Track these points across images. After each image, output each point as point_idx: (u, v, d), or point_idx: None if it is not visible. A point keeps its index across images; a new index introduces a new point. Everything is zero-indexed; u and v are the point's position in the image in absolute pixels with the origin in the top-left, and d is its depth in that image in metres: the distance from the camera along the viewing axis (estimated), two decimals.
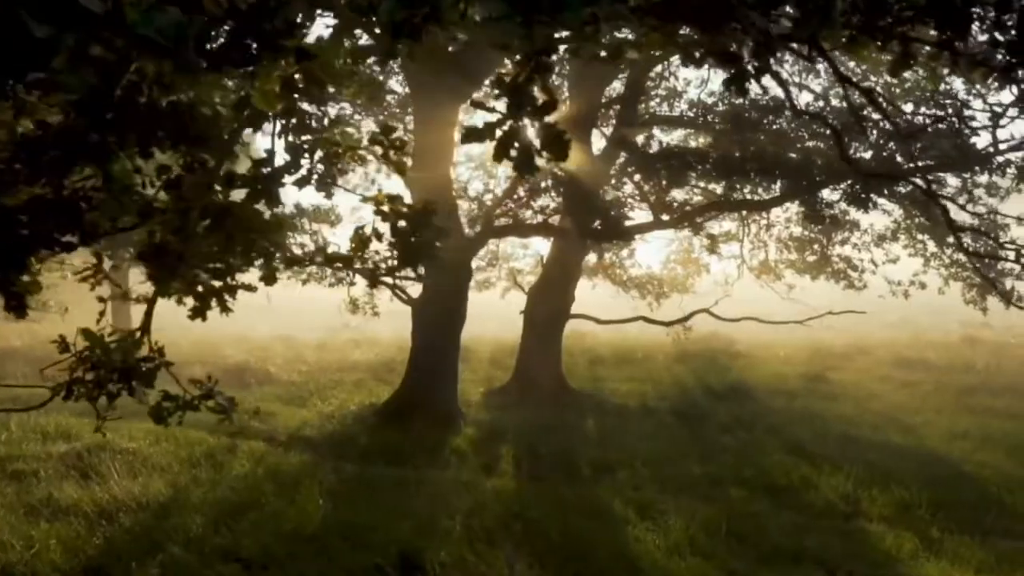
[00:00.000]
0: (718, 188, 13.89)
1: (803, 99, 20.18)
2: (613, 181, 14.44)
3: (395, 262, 2.90)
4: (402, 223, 2.78)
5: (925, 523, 8.21)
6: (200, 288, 2.79)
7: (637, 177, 12.10)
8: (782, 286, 19.25)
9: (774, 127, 13.54)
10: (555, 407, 13.85)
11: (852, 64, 15.77)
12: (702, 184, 14.57)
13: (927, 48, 4.59)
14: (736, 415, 13.43)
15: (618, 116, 14.69)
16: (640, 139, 13.76)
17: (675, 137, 18.18)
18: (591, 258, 20.11)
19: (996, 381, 16.85)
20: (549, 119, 2.24)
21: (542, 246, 17.49)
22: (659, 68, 17.33)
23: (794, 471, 9.89)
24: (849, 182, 10.29)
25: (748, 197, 14.51)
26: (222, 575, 6.33)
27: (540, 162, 2.25)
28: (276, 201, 2.70)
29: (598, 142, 15.64)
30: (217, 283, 2.77)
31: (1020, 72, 3.57)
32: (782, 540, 7.44)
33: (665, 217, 11.99)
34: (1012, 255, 11.87)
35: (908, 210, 15.38)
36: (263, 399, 14.38)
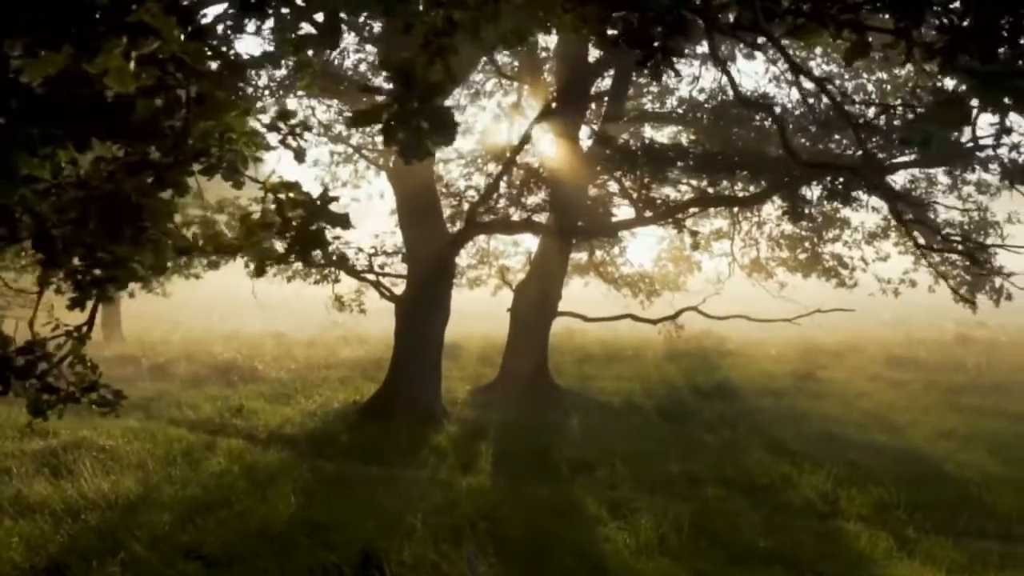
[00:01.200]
0: (708, 186, 13.77)
1: (794, 95, 20.02)
2: (601, 178, 14.34)
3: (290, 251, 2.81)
4: (298, 211, 2.71)
5: (902, 523, 8.12)
6: (80, 277, 2.72)
7: (618, 173, 11.99)
8: (774, 284, 19.15)
9: (765, 123, 13.44)
10: (540, 405, 13.76)
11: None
12: (693, 182, 14.47)
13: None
14: (721, 413, 13.34)
15: (604, 112, 14.59)
16: (625, 135, 13.66)
17: (666, 134, 18.12)
18: (583, 256, 20.06)
19: (986, 380, 16.74)
20: (440, 102, 2.17)
21: (533, 244, 17.37)
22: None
23: (774, 470, 9.80)
24: (829, 178, 10.20)
25: (738, 194, 14.40)
26: (183, 573, 6.29)
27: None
28: (185, 189, 2.62)
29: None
30: (99, 272, 2.70)
31: (962, 59, 3.48)
32: (755, 539, 7.36)
33: (648, 214, 11.89)
34: (978, 254, 11.77)
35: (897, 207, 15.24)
36: (248, 396, 14.33)
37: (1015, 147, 10.62)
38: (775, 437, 11.63)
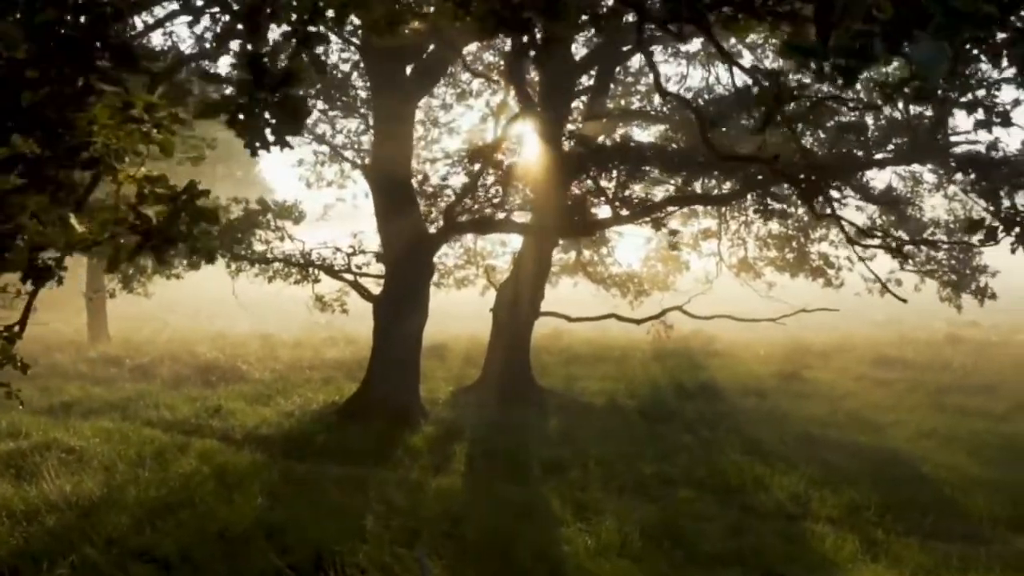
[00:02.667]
0: (684, 184, 13.66)
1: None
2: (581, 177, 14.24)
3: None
4: (160, 206, 2.64)
5: (872, 525, 8.05)
6: None
7: (595, 172, 11.89)
8: (762, 284, 19.07)
9: (745, 121, 13.32)
10: (521, 405, 13.67)
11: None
12: (679, 182, 14.37)
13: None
14: (702, 414, 13.24)
15: (584, 110, 14.51)
16: (607, 133, 13.56)
17: (652, 132, 18.03)
18: (570, 256, 19.96)
19: (973, 380, 16.65)
20: (294, 92, 2.09)
21: (519, 243, 17.29)
22: (636, 62, 17.17)
23: (748, 471, 9.71)
24: (801, 176, 10.10)
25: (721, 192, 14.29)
26: (135, 575, 6.21)
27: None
28: (65, 185, 2.55)
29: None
30: None
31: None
32: (720, 542, 7.29)
33: (624, 212, 11.81)
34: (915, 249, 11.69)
35: (883, 207, 15.17)
36: (229, 397, 14.24)
37: (993, 146, 10.54)
38: (754, 438, 11.54)
